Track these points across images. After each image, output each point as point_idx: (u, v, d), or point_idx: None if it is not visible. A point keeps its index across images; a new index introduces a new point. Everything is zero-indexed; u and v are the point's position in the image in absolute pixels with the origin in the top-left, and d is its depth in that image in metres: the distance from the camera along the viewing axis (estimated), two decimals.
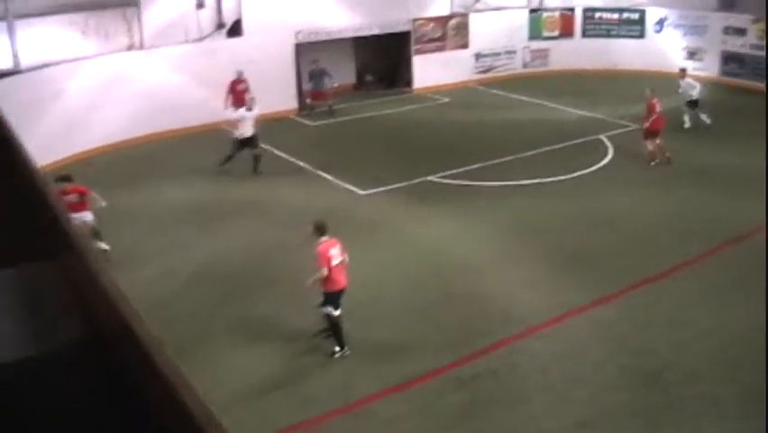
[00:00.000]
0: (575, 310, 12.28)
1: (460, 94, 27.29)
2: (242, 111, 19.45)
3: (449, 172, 18.84)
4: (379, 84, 28.54)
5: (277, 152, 21.06)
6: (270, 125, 22.08)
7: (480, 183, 18.22)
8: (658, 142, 19.49)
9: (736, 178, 18.20)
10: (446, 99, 25.71)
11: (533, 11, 30.60)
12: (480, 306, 12.49)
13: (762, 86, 26.33)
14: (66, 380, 2.81)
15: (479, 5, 29.27)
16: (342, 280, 10.94)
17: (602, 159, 19.85)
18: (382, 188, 17.83)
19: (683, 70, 23.07)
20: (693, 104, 22.55)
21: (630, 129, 22.42)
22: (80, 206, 14.31)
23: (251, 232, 15.87)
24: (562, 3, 30.95)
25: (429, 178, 18.53)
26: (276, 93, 24.12)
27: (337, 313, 10.97)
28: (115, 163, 20.43)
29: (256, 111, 19.20)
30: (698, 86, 22.44)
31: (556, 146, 20.96)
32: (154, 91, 21.87)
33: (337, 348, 11.06)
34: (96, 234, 14.20)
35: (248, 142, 19.14)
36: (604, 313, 12.23)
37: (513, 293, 12.91)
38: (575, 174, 18.64)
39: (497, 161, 19.74)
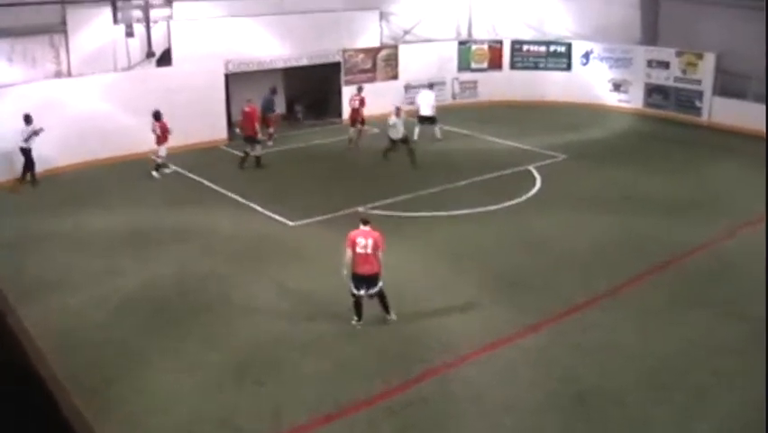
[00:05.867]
0: (506, 338, 12.35)
1: None
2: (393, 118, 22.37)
3: (379, 203, 18.83)
4: (309, 114, 28.53)
5: (207, 182, 20.85)
6: (200, 155, 21.93)
7: (410, 214, 18.27)
8: (360, 128, 24.20)
9: (662, 203, 18.72)
10: (376, 130, 25.77)
11: (462, 43, 31.04)
12: (412, 334, 12.49)
13: (684, 117, 27.22)
14: None
15: (408, 37, 29.57)
16: (358, 267, 12.32)
17: (531, 189, 20.10)
18: (312, 219, 17.76)
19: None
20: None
21: (558, 159, 22.79)
22: (162, 140, 21.17)
23: (182, 259, 15.68)
24: (490, 35, 31.44)
25: (359, 209, 18.47)
26: (206, 123, 24.04)
27: (355, 291, 12.42)
28: (44, 190, 20.08)
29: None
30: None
31: (486, 176, 21.17)
32: (83, 118, 21.49)
33: (354, 319, 12.67)
34: (159, 167, 21.19)
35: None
36: (535, 340, 12.33)
37: (445, 321, 12.94)
38: (505, 204, 18.83)
39: (427, 191, 19.85)
